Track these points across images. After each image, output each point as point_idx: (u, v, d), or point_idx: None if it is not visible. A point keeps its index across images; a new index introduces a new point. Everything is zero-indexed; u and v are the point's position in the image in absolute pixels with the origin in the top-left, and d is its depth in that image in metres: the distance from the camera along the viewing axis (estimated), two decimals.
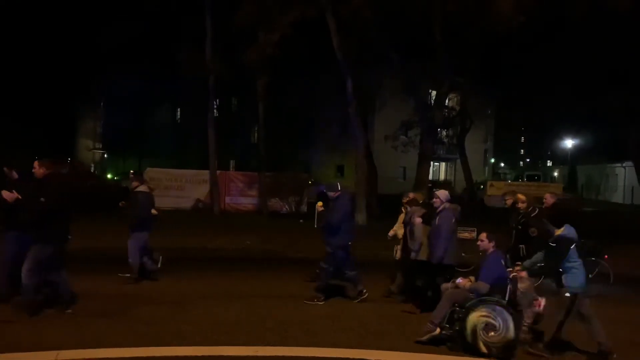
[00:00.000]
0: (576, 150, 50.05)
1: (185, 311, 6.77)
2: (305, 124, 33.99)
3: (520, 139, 70.72)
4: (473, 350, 5.45)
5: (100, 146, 52.51)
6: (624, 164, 36.61)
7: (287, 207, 20.53)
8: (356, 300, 7.47)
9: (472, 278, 5.99)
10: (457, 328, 5.62)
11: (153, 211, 8.38)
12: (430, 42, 18.57)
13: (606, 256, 8.98)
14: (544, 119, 45.25)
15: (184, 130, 39.67)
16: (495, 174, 53.80)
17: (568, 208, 18.45)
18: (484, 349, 5.40)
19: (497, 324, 5.39)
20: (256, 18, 17.46)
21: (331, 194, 7.54)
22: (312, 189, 21.20)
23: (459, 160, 30.07)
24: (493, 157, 50.13)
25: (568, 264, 5.58)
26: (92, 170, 47.57)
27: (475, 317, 5.46)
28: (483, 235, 6.00)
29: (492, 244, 5.91)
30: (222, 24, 19.22)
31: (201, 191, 21.61)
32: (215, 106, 23.83)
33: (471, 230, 9.83)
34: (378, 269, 9.34)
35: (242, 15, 17.41)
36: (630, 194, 35.54)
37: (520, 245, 7.16)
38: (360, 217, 17.78)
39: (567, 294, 5.54)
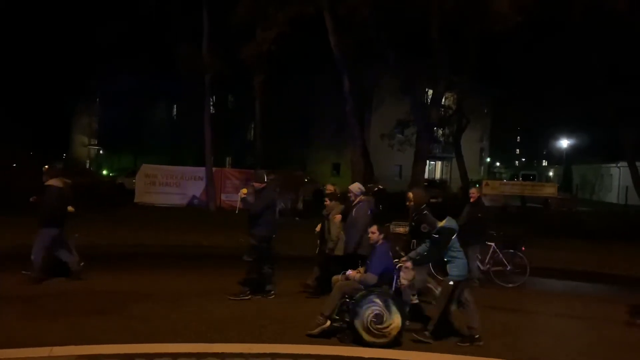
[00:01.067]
0: (571, 150, 50.22)
1: (180, 308, 6.76)
2: (302, 121, 33.97)
3: (516, 139, 70.75)
4: (361, 341, 5.52)
5: (96, 142, 52.27)
6: (618, 165, 36.74)
7: (282, 204, 20.50)
8: (263, 295, 7.36)
9: (362, 269, 6.13)
10: (347, 319, 5.71)
11: (70, 208, 7.95)
12: (427, 41, 18.57)
13: (523, 248, 9.33)
14: (540, 118, 45.36)
15: (180, 126, 39.57)
16: (491, 173, 53.94)
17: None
18: (371, 339, 5.49)
19: (384, 314, 5.52)
20: (253, 15, 17.45)
21: (257, 184, 7.55)
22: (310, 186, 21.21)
23: (454, 159, 30.12)
24: (489, 156, 50.23)
25: (451, 254, 5.85)
26: (87, 167, 47.43)
27: (364, 308, 5.56)
28: (374, 228, 6.18)
29: (381, 236, 6.12)
30: (219, 21, 19.17)
31: (197, 188, 21.56)
32: (211, 103, 23.82)
33: (405, 225, 9.79)
34: None
35: (240, 11, 17.38)
36: (625, 194, 35.67)
37: (413, 240, 7.31)
38: None
39: (451, 282, 5.79)
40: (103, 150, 51.33)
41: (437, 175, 39.76)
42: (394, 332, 5.54)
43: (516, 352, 5.80)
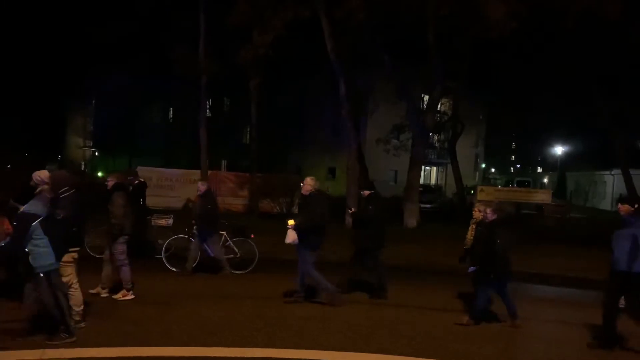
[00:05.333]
0: (566, 157, 50.52)
1: (173, 311, 6.73)
2: (298, 125, 34.01)
3: (511, 145, 71.16)
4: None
5: (91, 144, 52.10)
6: (612, 172, 36.98)
7: (277, 208, 20.48)
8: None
9: None
10: None
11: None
12: (423, 46, 18.65)
13: (252, 235, 9.91)
14: (535, 125, 45.68)
15: (176, 129, 39.49)
16: (486, 179, 54.10)
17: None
18: None
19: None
20: (250, 18, 17.43)
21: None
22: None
23: (450, 165, 30.20)
24: (484, 162, 50.44)
25: (34, 242, 5.16)
26: (82, 168, 47.22)
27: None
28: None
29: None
30: (215, 23, 19.16)
31: (192, 191, 21.44)
32: (207, 106, 23.75)
33: (167, 217, 10.59)
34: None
35: (236, 14, 17.37)
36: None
37: None
38: (350, 220, 17.78)
39: (41, 275, 5.21)
40: (98, 152, 51.14)
41: (433, 181, 39.84)
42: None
43: (509, 357, 5.81)
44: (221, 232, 9.60)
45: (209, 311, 6.78)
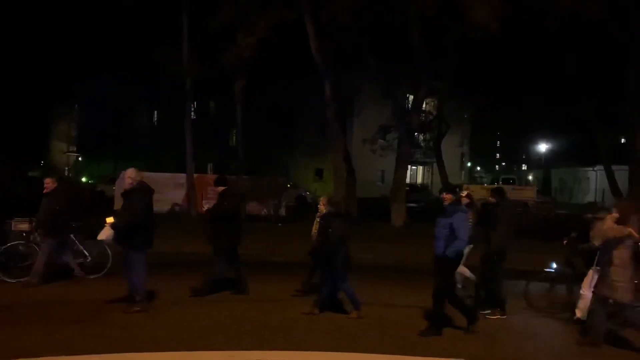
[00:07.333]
0: (550, 154, 51.09)
1: (161, 316, 6.69)
2: (284, 127, 33.95)
3: (496, 143, 71.81)
4: None
5: (75, 149, 51.51)
6: (595, 168, 37.52)
7: (265, 210, 20.44)
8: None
9: None
10: None
11: None
12: (408, 47, 18.76)
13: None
14: (519, 123, 46.13)
15: (161, 132, 39.23)
16: (472, 177, 54.51)
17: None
18: None
19: None
20: (234, 20, 17.39)
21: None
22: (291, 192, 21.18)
23: (435, 164, 30.40)
24: (469, 161, 50.78)
25: None
26: (66, 174, 46.69)
27: None
28: None
29: None
30: (199, 26, 19.08)
31: (178, 195, 21.36)
32: (192, 109, 23.66)
33: (26, 221, 9.29)
34: (361, 272, 9.33)
35: (220, 17, 17.32)
36: (602, 197, 36.40)
37: None
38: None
39: None
40: (82, 157, 50.60)
41: (419, 180, 40.05)
42: None
43: (496, 353, 5.86)
44: (70, 234, 8.78)
45: (198, 315, 6.73)
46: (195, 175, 21.18)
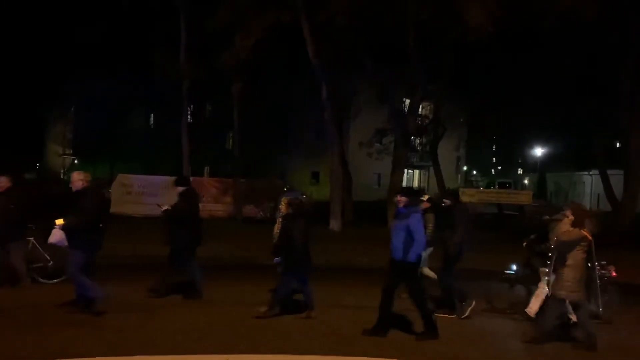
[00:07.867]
0: (546, 158, 51.25)
1: (156, 319, 6.66)
2: (281, 129, 33.98)
3: (492, 147, 72.01)
4: None
5: (71, 152, 51.31)
6: (590, 172, 37.66)
7: (261, 213, 20.42)
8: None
9: None
10: None
11: None
12: (405, 50, 18.81)
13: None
14: (515, 127, 46.22)
15: (158, 135, 39.15)
16: (468, 181, 54.65)
17: None
18: None
19: None
20: (231, 22, 17.39)
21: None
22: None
23: (432, 168, 30.45)
24: (465, 164, 50.91)
25: None
26: (61, 177, 46.50)
27: None
28: None
29: None
30: (197, 28, 19.09)
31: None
32: (189, 111, 23.61)
33: None
34: (353, 275, 9.34)
35: (217, 19, 17.32)
36: (597, 202, 36.53)
37: None
38: (335, 224, 17.84)
39: None
40: (78, 160, 50.38)
41: (416, 184, 40.11)
42: None
43: (489, 357, 5.86)
44: (28, 238, 8.32)
45: (193, 318, 6.71)
46: (191, 177, 21.10)
